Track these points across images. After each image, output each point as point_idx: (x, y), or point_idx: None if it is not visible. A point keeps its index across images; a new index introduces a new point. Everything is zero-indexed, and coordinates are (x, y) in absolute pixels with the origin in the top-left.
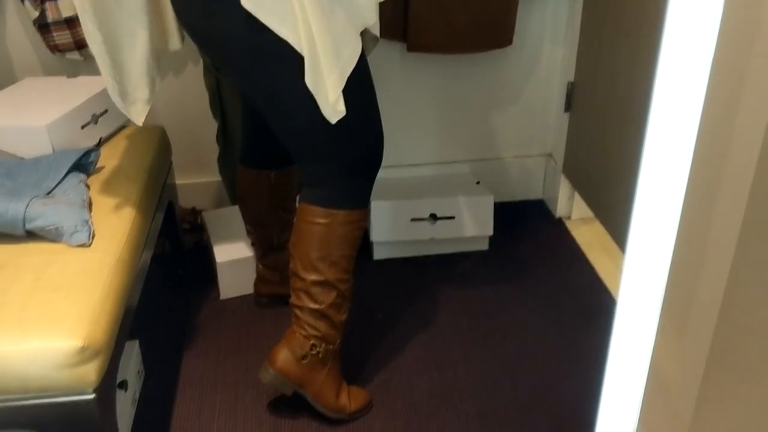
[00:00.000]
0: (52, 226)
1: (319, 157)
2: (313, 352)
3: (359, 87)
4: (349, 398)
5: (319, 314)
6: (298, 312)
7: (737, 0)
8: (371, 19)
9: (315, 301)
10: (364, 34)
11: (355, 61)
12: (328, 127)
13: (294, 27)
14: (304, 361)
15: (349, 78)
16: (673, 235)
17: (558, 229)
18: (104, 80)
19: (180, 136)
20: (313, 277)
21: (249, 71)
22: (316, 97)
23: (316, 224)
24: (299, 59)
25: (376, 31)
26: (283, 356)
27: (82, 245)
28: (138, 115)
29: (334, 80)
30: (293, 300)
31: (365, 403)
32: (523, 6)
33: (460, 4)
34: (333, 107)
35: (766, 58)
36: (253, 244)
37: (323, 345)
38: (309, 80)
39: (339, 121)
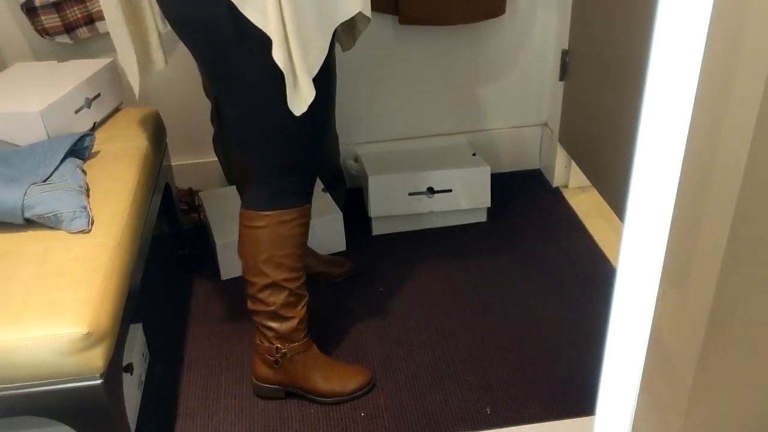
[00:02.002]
0: (51, 213)
1: (263, 150)
2: (280, 355)
3: (319, 89)
4: (344, 379)
5: (274, 314)
6: (255, 317)
7: None
8: (354, 10)
9: (267, 304)
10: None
11: (322, 61)
12: (282, 120)
13: (265, 12)
14: (277, 366)
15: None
16: (672, 197)
17: (555, 198)
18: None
19: (174, 117)
20: (261, 280)
21: (215, 52)
22: (288, 85)
23: (256, 228)
24: (268, 45)
25: (368, 13)
26: (260, 367)
27: (82, 231)
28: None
29: (305, 76)
30: (249, 305)
31: (365, 381)
32: None
33: None
34: (301, 98)
35: (765, 15)
36: None
37: (288, 345)
38: (281, 62)
39: (293, 118)
